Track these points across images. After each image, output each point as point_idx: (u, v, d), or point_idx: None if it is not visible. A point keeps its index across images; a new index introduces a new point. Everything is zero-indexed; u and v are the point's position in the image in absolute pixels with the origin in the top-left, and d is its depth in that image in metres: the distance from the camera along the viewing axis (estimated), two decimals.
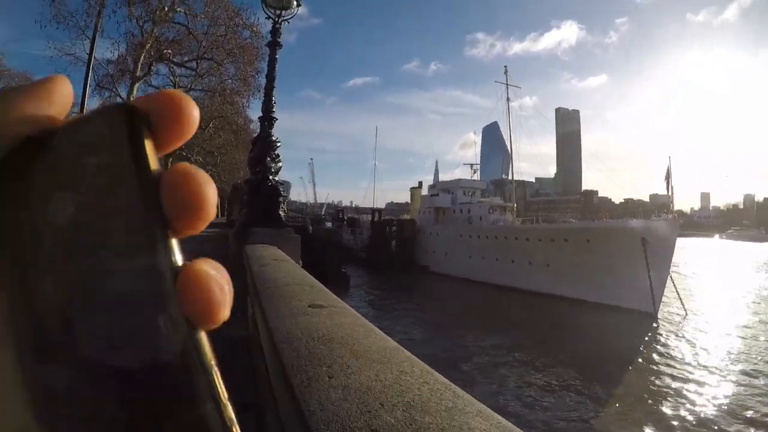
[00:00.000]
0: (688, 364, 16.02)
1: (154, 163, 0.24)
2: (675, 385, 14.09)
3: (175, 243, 0.24)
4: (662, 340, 19.33)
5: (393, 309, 25.29)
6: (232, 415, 0.23)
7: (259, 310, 3.20)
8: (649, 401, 12.92)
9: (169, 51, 20.39)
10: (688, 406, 12.66)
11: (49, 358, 0.23)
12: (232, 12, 20.01)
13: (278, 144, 10.15)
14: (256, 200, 9.65)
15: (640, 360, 16.59)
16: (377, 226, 52.77)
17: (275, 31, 9.95)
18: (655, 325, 22.00)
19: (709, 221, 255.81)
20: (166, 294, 0.23)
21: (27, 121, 0.24)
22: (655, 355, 17.09)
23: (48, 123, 0.25)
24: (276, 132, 10.24)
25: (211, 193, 0.24)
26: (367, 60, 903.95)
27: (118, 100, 9.81)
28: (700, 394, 13.39)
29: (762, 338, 19.36)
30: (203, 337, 0.23)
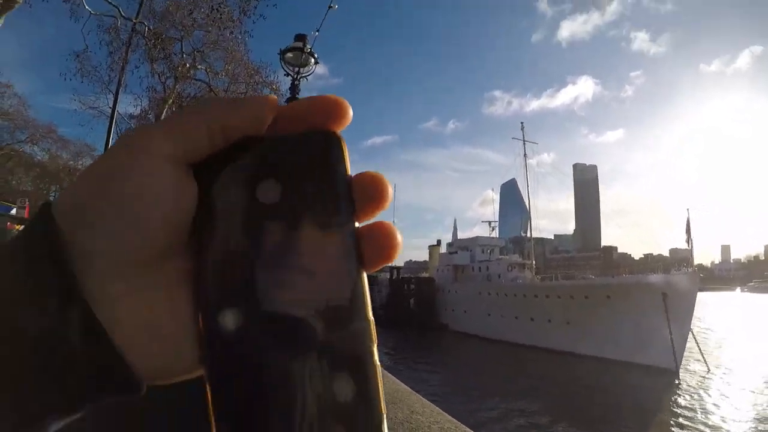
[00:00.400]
0: (709, 424, 15.73)
1: (348, 167, 0.30)
2: None
3: (357, 224, 0.30)
4: (682, 398, 18.98)
5: (413, 369, 25.01)
6: (375, 332, 0.29)
7: None
8: None
9: None
10: None
11: (227, 305, 0.27)
12: (252, 70, 19.91)
13: None
14: None
15: (661, 420, 16.26)
16: (396, 284, 52.74)
17: (294, 88, 10.62)
18: (677, 381, 21.55)
19: (730, 274, 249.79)
20: (350, 253, 0.29)
21: (250, 123, 0.30)
22: (675, 413, 16.80)
23: (264, 126, 0.31)
24: None
25: (389, 191, 0.31)
26: (387, 119, 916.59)
27: None
28: None
29: None
30: (365, 278, 0.29)
